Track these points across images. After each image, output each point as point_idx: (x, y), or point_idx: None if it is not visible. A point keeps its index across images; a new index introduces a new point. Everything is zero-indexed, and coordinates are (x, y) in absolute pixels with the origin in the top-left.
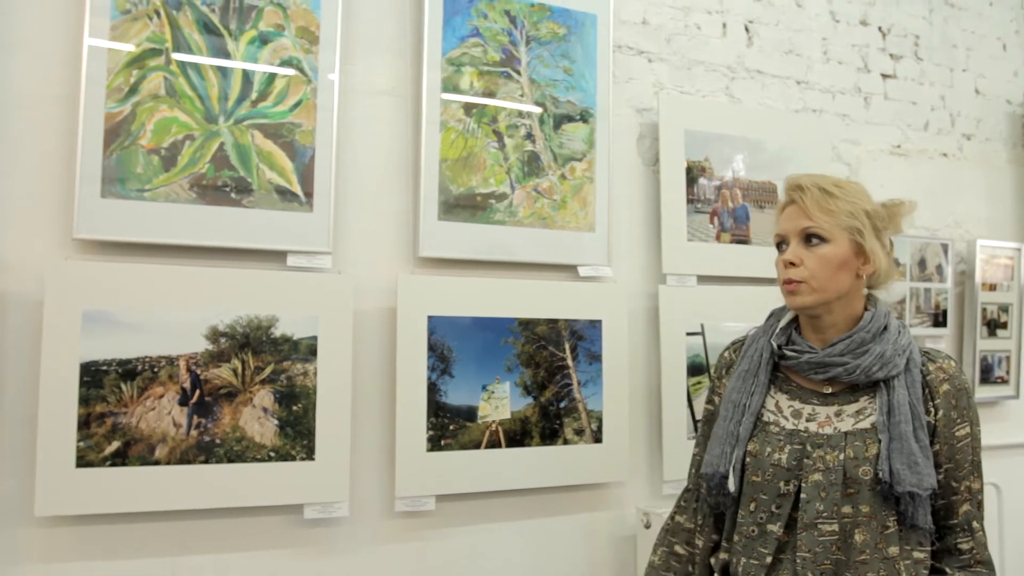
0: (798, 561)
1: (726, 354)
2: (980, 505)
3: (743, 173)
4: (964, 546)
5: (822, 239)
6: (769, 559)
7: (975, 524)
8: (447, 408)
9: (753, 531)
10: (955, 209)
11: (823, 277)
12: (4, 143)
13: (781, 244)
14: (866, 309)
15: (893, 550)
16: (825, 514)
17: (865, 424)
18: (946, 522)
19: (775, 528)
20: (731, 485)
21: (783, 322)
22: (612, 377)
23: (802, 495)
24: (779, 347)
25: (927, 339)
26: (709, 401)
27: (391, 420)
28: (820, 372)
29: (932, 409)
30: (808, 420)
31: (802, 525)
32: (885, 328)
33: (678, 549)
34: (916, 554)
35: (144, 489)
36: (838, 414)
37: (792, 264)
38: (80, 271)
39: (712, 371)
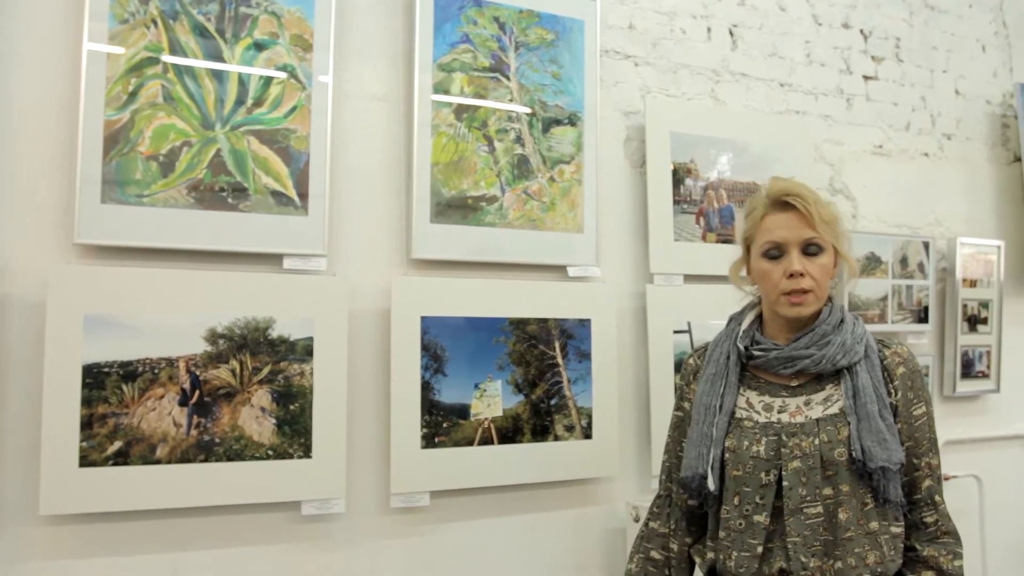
0: (789, 546)
1: (691, 361)
2: (940, 480)
3: (728, 174)
4: (929, 519)
5: (821, 249)
6: (760, 549)
7: (937, 498)
8: (441, 406)
9: (740, 524)
10: (936, 207)
11: (823, 285)
12: (6, 151)
13: (773, 251)
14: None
15: (874, 525)
16: (808, 498)
17: (834, 409)
18: (910, 498)
19: (761, 518)
20: (711, 484)
21: (745, 325)
22: (601, 375)
23: (784, 483)
24: (746, 348)
25: (909, 335)
26: (678, 408)
27: (386, 418)
28: (789, 366)
29: (892, 391)
30: (780, 412)
31: (788, 511)
32: (842, 320)
33: (654, 554)
34: (893, 529)
35: (145, 488)
36: (807, 403)
37: (799, 274)
38: (81, 275)
39: (679, 378)
